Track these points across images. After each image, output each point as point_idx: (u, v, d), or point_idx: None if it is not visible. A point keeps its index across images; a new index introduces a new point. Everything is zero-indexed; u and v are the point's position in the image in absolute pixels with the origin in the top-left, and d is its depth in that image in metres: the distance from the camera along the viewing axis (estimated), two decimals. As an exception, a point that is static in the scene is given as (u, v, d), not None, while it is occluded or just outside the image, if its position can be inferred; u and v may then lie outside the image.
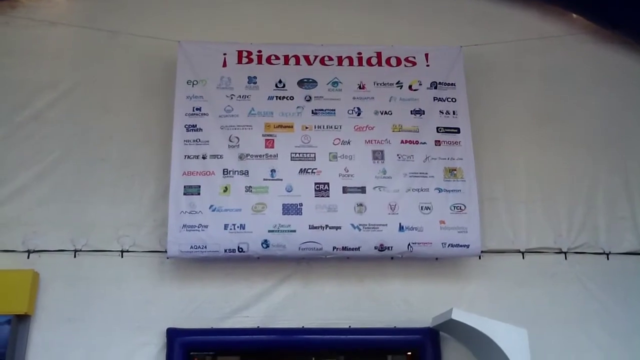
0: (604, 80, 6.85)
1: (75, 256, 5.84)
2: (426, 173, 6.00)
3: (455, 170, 6.04)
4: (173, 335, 5.59)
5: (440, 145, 6.11)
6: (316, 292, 5.88)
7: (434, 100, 6.26)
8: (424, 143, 6.10)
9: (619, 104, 6.78)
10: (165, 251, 5.72)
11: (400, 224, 5.80)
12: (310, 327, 5.70)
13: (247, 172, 5.90)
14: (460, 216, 5.88)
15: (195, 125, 6.01)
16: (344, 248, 5.74)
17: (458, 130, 6.18)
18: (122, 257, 5.87)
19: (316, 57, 6.33)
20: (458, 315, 5.08)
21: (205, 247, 5.67)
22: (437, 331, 5.69)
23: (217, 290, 5.83)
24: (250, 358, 6.23)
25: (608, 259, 6.11)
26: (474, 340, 5.40)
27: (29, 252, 5.81)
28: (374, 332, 5.71)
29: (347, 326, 5.72)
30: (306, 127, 6.09)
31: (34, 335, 5.59)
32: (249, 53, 6.28)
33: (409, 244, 5.76)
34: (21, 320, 5.55)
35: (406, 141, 6.10)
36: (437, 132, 6.15)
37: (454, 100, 6.28)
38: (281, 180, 5.89)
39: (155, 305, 5.74)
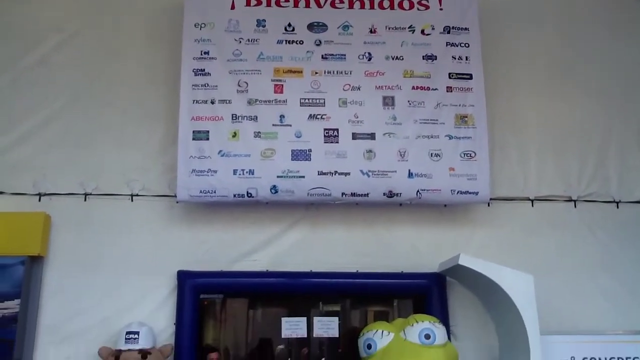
0: (623, 29, 6.66)
1: (85, 199, 5.90)
2: (437, 120, 5.93)
3: (466, 117, 5.96)
4: (183, 277, 5.69)
5: (451, 91, 6.00)
6: (324, 237, 5.92)
7: (447, 45, 6.12)
8: (435, 89, 6.00)
9: (637, 54, 6.62)
10: (175, 195, 5.77)
11: (409, 170, 5.77)
12: (318, 271, 5.78)
13: (256, 118, 5.85)
14: (470, 163, 5.84)
15: (204, 70, 5.93)
16: (353, 194, 5.74)
17: (470, 77, 6.06)
18: (132, 200, 5.91)
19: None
20: (465, 261, 5.11)
21: (215, 192, 5.70)
22: (444, 276, 5.75)
23: (226, 234, 5.89)
24: (258, 300, 6.41)
25: (618, 207, 6.09)
26: (480, 286, 5.46)
27: (39, 195, 5.86)
28: (381, 276, 5.78)
29: (355, 270, 5.80)
30: (316, 73, 5.99)
31: (47, 276, 5.70)
32: (258, -6, 6.15)
33: (418, 191, 5.75)
34: (35, 262, 5.65)
35: (417, 87, 6.00)
36: (449, 78, 6.03)
37: (467, 45, 6.14)
38: (290, 126, 5.85)
39: (165, 249, 5.81)
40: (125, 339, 5.26)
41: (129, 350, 5.18)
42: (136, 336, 5.29)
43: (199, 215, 5.92)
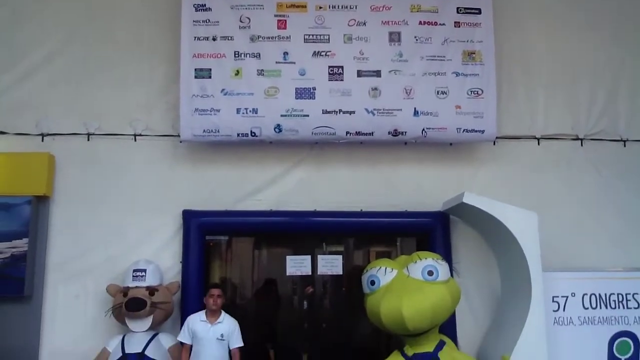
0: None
1: (88, 139, 5.87)
2: (444, 56, 5.79)
3: (474, 53, 5.82)
4: (188, 217, 5.73)
5: (459, 26, 5.83)
6: (329, 176, 5.91)
7: (455, -23, 5.92)
8: (443, 24, 5.83)
9: (652, -13, 6.39)
10: (178, 135, 5.73)
11: (415, 108, 5.69)
12: (322, 210, 5.80)
13: (259, 55, 5.72)
14: (476, 101, 5.75)
15: (204, 5, 5.75)
16: (358, 133, 5.69)
17: (479, 11, 5.87)
18: (135, 140, 5.88)
19: None
20: (469, 199, 5.12)
21: (218, 131, 5.65)
22: (448, 215, 5.77)
23: (230, 174, 5.88)
24: (263, 240, 6.48)
25: (625, 146, 6.04)
26: (484, 224, 5.48)
27: (42, 135, 5.83)
28: (385, 215, 5.80)
29: (359, 210, 5.81)
30: (320, 7, 5.80)
31: (53, 216, 5.75)
32: None
33: (424, 129, 5.69)
34: (40, 201, 5.70)
35: (424, 22, 5.83)
36: (457, 12, 5.85)
37: (475, -22, 5.94)
38: (294, 63, 5.73)
39: (170, 188, 5.83)
40: (133, 276, 5.35)
41: (137, 287, 5.27)
42: (143, 274, 5.37)
43: (203, 154, 5.90)
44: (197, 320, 5.14)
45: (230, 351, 5.11)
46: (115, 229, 5.73)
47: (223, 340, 5.09)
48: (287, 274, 5.99)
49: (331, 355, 6.21)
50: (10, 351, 5.32)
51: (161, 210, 5.77)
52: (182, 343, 5.12)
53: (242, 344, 5.16)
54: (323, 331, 6.23)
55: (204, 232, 5.76)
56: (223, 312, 5.23)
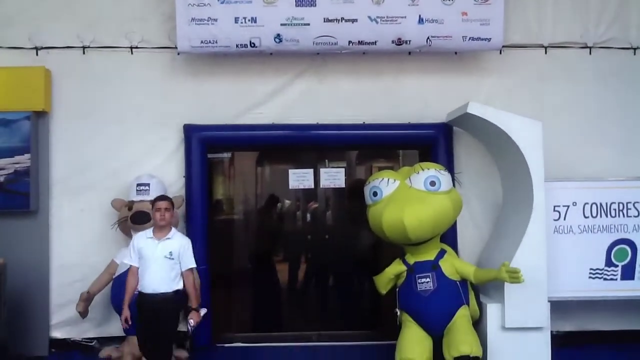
0: None
1: (84, 53, 5.72)
2: (450, -40, 5.54)
3: (482, -45, 5.55)
4: (190, 131, 5.69)
5: None
6: (331, 88, 5.81)
7: None
8: None
9: None
10: (176, 47, 5.57)
11: (419, 16, 5.48)
12: (324, 123, 5.74)
13: (257, -41, 5.47)
14: (483, 7, 5.52)
15: None
16: (360, 42, 5.51)
17: None
18: (131, 53, 5.74)
19: None
20: (474, 109, 5.03)
21: (216, 42, 5.48)
22: (451, 126, 5.72)
23: (230, 87, 5.78)
24: (265, 156, 6.47)
25: (635, 54, 5.86)
26: (488, 135, 5.43)
27: (36, 48, 5.69)
28: (388, 127, 5.75)
29: (362, 122, 5.75)
30: None
31: (53, 131, 5.74)
32: None
33: (428, 38, 5.51)
34: (40, 117, 5.65)
35: None
36: None
37: None
38: (293, -33, 5.47)
39: (169, 102, 5.75)
40: (137, 190, 5.38)
41: (141, 201, 5.30)
42: (147, 187, 5.40)
43: (201, 67, 5.77)
44: (143, 238, 4.61)
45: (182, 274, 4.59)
46: (116, 144, 5.72)
47: (172, 259, 4.53)
48: (290, 187, 6.04)
49: (334, 266, 6.38)
50: (23, 265, 5.44)
51: (162, 124, 5.73)
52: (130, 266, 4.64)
53: (194, 265, 4.63)
54: (325, 242, 6.35)
55: (206, 147, 5.74)
56: (174, 229, 4.74)
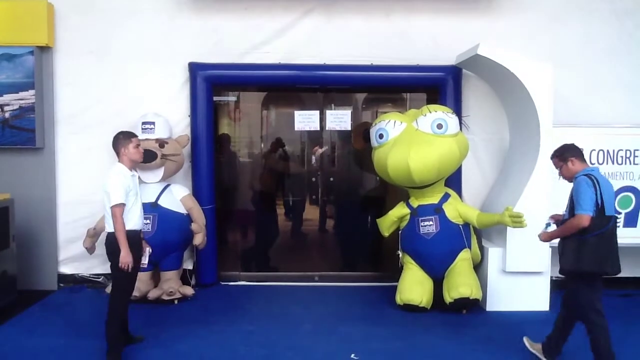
0: None
1: (86, -14, 5.61)
2: None
3: None
4: (195, 69, 5.61)
5: None
6: (339, 27, 5.68)
7: None
8: None
9: None
10: (181, -19, 5.45)
11: (432, -47, 5.32)
12: (331, 63, 5.64)
13: None
14: (498, -56, 5.35)
15: None
16: (370, -21, 5.37)
17: None
18: (135, -13, 5.62)
19: None
20: (484, 51, 4.92)
21: (223, -23, 5.35)
22: (460, 69, 5.61)
23: (236, 24, 5.66)
24: (271, 98, 6.40)
25: (651, -5, 5.70)
26: (497, 78, 5.33)
27: (37, -19, 5.57)
28: (396, 69, 5.64)
29: (369, 63, 5.65)
30: None
31: (57, 67, 5.68)
32: None
33: (441, -24, 5.36)
34: (44, 52, 5.58)
35: None
36: None
37: None
38: None
39: (174, 39, 5.66)
40: (142, 129, 5.35)
41: (147, 139, 5.28)
42: (152, 126, 5.37)
43: (207, 3, 5.63)
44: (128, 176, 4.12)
45: None
46: (122, 79, 5.67)
47: None
48: (295, 128, 5.99)
49: (338, 208, 6.41)
50: (30, 202, 5.53)
51: (167, 61, 5.65)
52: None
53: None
54: (330, 184, 6.36)
55: (211, 85, 5.68)
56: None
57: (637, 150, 5.36)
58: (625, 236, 5.36)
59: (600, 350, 3.73)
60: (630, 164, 5.37)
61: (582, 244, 3.69)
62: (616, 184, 5.33)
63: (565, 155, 3.95)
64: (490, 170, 5.74)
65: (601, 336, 3.72)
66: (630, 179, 5.38)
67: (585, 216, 3.66)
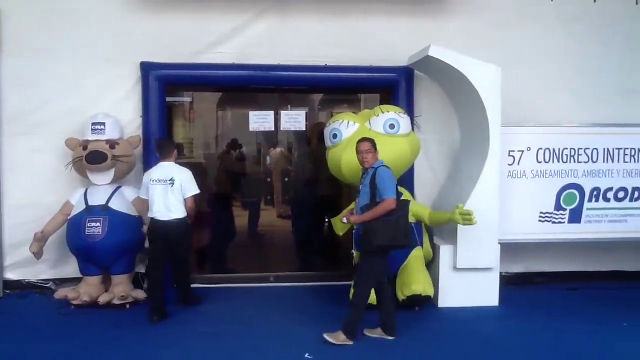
0: None
1: (34, -15, 5.45)
2: None
3: None
4: (147, 68, 5.52)
5: None
6: (293, 28, 5.69)
7: None
8: None
9: None
10: (132, -21, 5.35)
11: (385, -45, 5.38)
12: (286, 64, 5.64)
13: None
14: (449, -52, 5.45)
15: None
16: (324, -20, 5.39)
17: None
18: (85, -15, 5.49)
19: None
20: (435, 52, 5.02)
21: (174, -25, 5.28)
22: (413, 70, 5.70)
23: (189, 24, 5.59)
24: (225, 99, 6.36)
25: (595, 1, 5.89)
26: (449, 79, 5.44)
27: (-17, -19, 5.38)
28: (350, 70, 5.69)
29: (324, 64, 5.67)
30: None
31: (4, 69, 5.50)
32: None
33: (393, -22, 5.43)
34: (-12, 50, 5.41)
35: None
36: None
37: None
38: None
39: (125, 38, 5.55)
40: (92, 130, 5.25)
41: (97, 140, 5.20)
42: (102, 127, 5.27)
43: (159, 3, 5.55)
44: (150, 174, 4.95)
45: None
46: (71, 81, 5.53)
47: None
48: (250, 129, 5.95)
49: (293, 208, 6.43)
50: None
51: (118, 60, 5.54)
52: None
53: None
54: (286, 185, 6.37)
55: (164, 85, 5.59)
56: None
57: (581, 149, 5.56)
58: (571, 232, 5.60)
59: (357, 302, 4.32)
60: (575, 162, 5.57)
61: (392, 222, 4.24)
62: (561, 182, 5.57)
63: (376, 145, 4.41)
64: (441, 170, 5.85)
65: (364, 296, 4.33)
66: (574, 176, 5.58)
67: (392, 200, 4.22)
